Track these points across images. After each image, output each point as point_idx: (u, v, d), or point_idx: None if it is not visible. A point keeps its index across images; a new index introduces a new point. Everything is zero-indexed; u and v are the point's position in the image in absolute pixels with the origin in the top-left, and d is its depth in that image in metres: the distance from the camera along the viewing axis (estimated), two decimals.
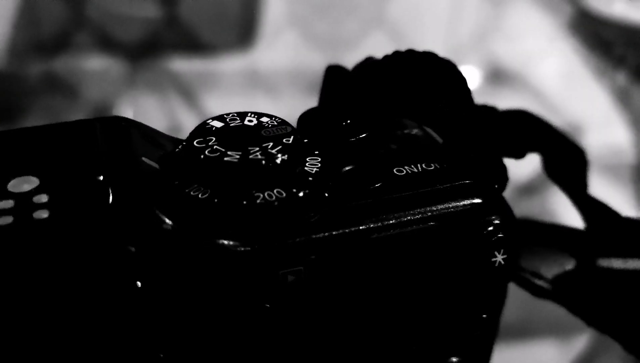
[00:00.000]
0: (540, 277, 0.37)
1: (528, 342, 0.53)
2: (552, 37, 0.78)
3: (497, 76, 0.75)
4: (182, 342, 0.28)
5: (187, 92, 0.77)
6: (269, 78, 0.79)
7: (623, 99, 0.69)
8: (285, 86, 0.79)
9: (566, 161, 0.38)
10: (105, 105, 0.75)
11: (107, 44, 0.81)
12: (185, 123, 0.71)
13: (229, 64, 0.81)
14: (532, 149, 0.38)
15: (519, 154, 0.37)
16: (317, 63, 0.81)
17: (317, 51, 0.81)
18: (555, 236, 0.39)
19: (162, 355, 0.27)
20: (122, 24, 0.81)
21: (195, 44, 0.82)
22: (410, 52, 0.33)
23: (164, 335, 0.27)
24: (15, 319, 0.25)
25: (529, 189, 0.62)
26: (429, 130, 0.34)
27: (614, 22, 0.72)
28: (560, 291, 0.38)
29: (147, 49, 0.81)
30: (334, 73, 0.36)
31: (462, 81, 0.32)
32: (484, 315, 0.32)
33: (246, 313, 0.28)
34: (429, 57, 0.32)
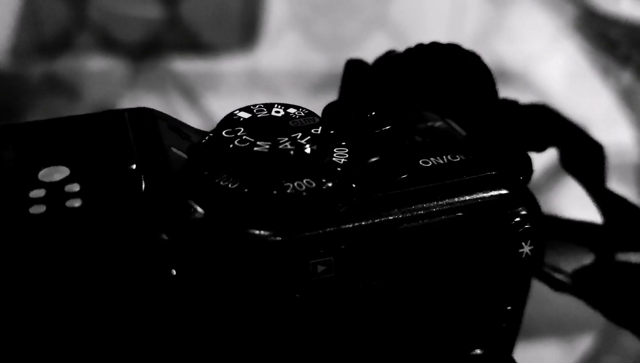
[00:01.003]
0: (560, 271, 0.37)
1: (531, 342, 0.53)
2: (555, 37, 0.78)
3: (500, 76, 0.75)
4: (212, 330, 0.27)
5: (189, 92, 0.76)
6: (270, 79, 0.79)
7: (628, 98, 0.69)
8: (287, 87, 0.79)
9: (585, 156, 0.38)
10: (107, 105, 0.75)
11: (109, 44, 0.80)
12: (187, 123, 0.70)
13: (231, 65, 0.80)
14: (551, 143, 0.38)
15: (539, 148, 0.37)
16: (318, 64, 0.81)
17: (318, 51, 0.81)
18: (573, 230, 0.39)
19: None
20: (124, 24, 0.81)
21: (197, 45, 0.82)
22: (435, 45, 0.32)
23: (196, 322, 0.27)
24: (50, 306, 0.25)
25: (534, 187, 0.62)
26: (451, 122, 0.34)
27: (620, 21, 0.72)
28: (579, 286, 0.37)
29: (149, 49, 0.81)
30: (354, 67, 0.36)
31: (487, 72, 0.32)
32: (509, 307, 0.32)
33: (276, 302, 0.28)
34: (453, 49, 0.32)
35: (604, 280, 0.38)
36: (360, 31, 0.83)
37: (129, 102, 0.77)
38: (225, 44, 0.83)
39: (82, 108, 0.74)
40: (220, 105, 0.77)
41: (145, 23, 0.81)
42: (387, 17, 0.82)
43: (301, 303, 0.28)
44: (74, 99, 0.75)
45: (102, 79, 0.79)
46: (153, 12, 0.81)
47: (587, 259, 0.38)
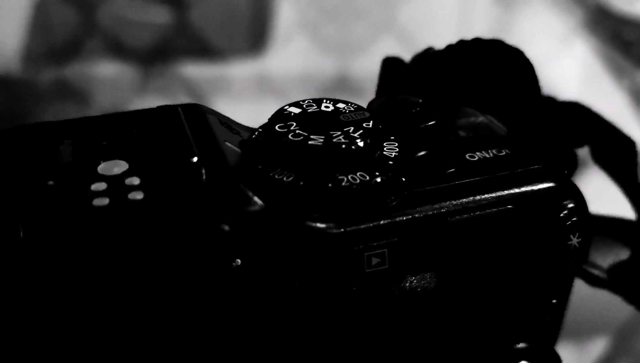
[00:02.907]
0: (596, 266, 0.38)
1: None
2: (566, 38, 0.78)
3: None
4: (270, 321, 0.28)
5: (198, 97, 0.77)
6: (279, 83, 0.79)
7: None
8: (295, 91, 0.79)
9: (617, 152, 0.38)
10: (117, 111, 0.74)
11: (119, 50, 0.80)
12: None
13: (240, 70, 0.81)
14: (584, 139, 0.38)
15: (578, 144, 0.37)
16: (327, 68, 0.82)
17: (327, 55, 0.82)
18: (608, 226, 0.39)
19: None
20: (134, 30, 0.81)
21: (206, 50, 0.82)
22: (477, 40, 0.33)
23: (255, 312, 0.27)
24: (116, 296, 0.25)
25: None
26: (491, 117, 0.34)
27: (634, 21, 0.73)
28: (615, 281, 0.38)
29: (159, 54, 0.81)
30: (391, 64, 0.36)
31: (531, 68, 0.32)
32: (554, 301, 0.32)
33: (334, 294, 0.28)
34: (496, 45, 0.33)
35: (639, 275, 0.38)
36: (368, 35, 0.83)
37: (138, 107, 0.77)
38: (234, 49, 0.83)
39: (92, 114, 0.74)
40: (229, 109, 0.77)
41: (155, 28, 0.81)
42: (395, 20, 0.82)
43: (357, 295, 0.28)
44: (84, 105, 0.76)
45: (111, 85, 0.79)
46: (162, 17, 0.81)
47: (623, 254, 0.38)
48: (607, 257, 0.38)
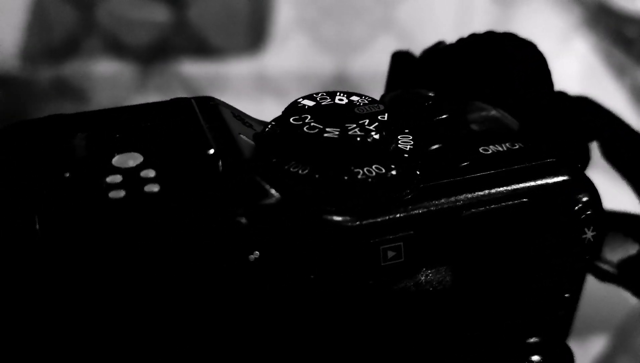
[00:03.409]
0: (606, 262, 0.37)
1: None
2: (566, 36, 0.78)
3: None
4: (285, 314, 0.27)
5: (197, 95, 0.76)
6: (278, 81, 0.79)
7: None
8: (294, 90, 0.79)
9: (627, 148, 0.38)
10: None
11: (118, 48, 0.80)
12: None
13: (239, 68, 0.80)
14: (594, 134, 0.38)
15: (586, 139, 0.37)
16: (325, 66, 0.81)
17: (325, 54, 0.81)
18: (617, 221, 0.39)
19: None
20: (132, 28, 0.81)
21: (205, 48, 0.82)
22: (490, 34, 0.33)
23: (270, 306, 0.27)
24: (132, 289, 0.25)
25: None
26: (503, 111, 0.34)
27: (636, 18, 0.73)
28: (625, 276, 0.38)
29: (157, 53, 0.80)
30: (401, 58, 0.36)
31: (543, 62, 0.32)
32: (567, 295, 0.32)
33: (350, 288, 0.28)
34: (509, 38, 0.33)
35: None
36: (367, 33, 0.83)
37: None
38: (232, 47, 0.83)
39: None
40: None
41: (153, 27, 0.81)
42: (393, 19, 0.82)
43: (373, 289, 0.28)
44: (83, 103, 0.75)
45: (110, 83, 0.78)
46: (161, 15, 0.81)
47: (632, 249, 0.38)
48: (616, 252, 0.38)
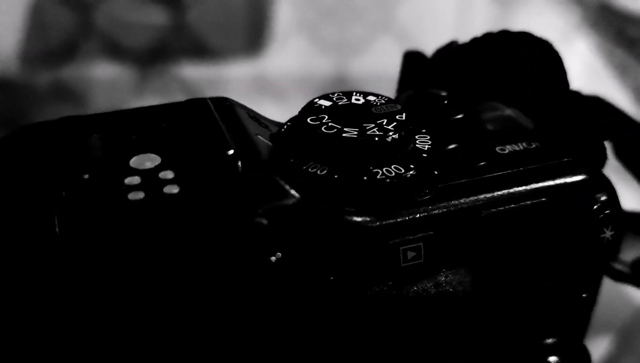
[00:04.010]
0: (619, 262, 0.37)
1: None
2: (566, 36, 0.78)
3: None
4: (305, 315, 0.27)
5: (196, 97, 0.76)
6: (277, 83, 0.79)
7: None
8: (293, 91, 0.78)
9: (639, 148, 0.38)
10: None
11: (116, 51, 0.80)
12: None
13: (238, 70, 0.80)
14: (607, 134, 0.38)
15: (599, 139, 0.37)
16: (325, 68, 0.81)
17: (325, 55, 0.81)
18: (630, 221, 0.39)
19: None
20: (131, 31, 0.81)
21: (203, 51, 0.82)
22: (505, 33, 0.32)
23: (290, 307, 0.27)
24: (152, 290, 0.25)
25: None
26: (516, 111, 0.34)
27: (639, 17, 0.72)
28: (638, 276, 0.37)
29: (156, 55, 0.80)
30: (412, 58, 0.36)
31: (559, 61, 0.32)
32: (584, 295, 0.32)
33: (368, 288, 0.28)
34: (524, 37, 0.32)
35: None
36: (366, 35, 0.83)
37: None
38: (231, 50, 0.83)
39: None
40: None
41: (152, 29, 0.81)
42: (392, 20, 0.82)
43: (392, 289, 0.28)
44: (82, 106, 0.75)
45: (109, 86, 0.78)
46: (159, 18, 0.81)
47: None
48: (630, 252, 0.38)
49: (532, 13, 0.80)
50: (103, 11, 0.81)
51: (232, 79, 0.79)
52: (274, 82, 0.79)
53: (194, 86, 0.77)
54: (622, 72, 0.70)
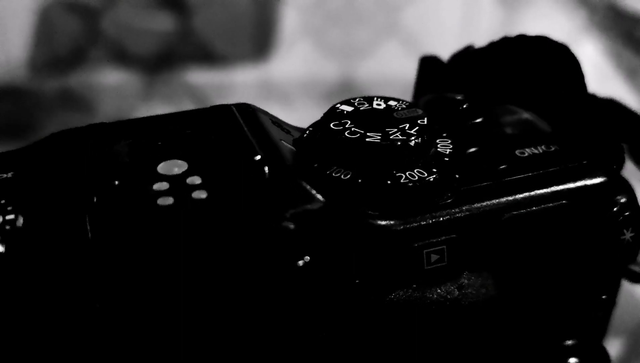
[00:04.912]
0: (637, 264, 0.37)
1: None
2: (574, 39, 0.78)
3: None
4: (330, 319, 0.27)
5: (203, 103, 0.76)
6: (283, 88, 0.79)
7: None
8: (299, 96, 0.79)
9: None
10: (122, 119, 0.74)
11: (123, 57, 0.80)
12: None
13: (244, 75, 0.80)
14: (623, 137, 0.38)
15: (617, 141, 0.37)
16: (331, 73, 0.81)
17: (331, 60, 0.82)
18: None
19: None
20: (138, 37, 0.81)
21: (210, 56, 0.82)
22: (522, 37, 0.33)
23: (318, 311, 0.27)
24: (183, 295, 0.25)
25: None
26: (533, 114, 0.34)
27: None
28: None
29: (163, 61, 0.80)
30: (429, 63, 0.36)
31: (577, 65, 0.32)
32: (604, 296, 0.32)
33: (392, 291, 0.28)
34: (542, 42, 0.33)
35: None
36: (372, 39, 0.83)
37: (144, 115, 0.76)
38: (238, 55, 0.83)
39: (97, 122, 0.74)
40: None
41: (159, 35, 0.81)
42: (398, 24, 0.82)
43: (415, 292, 0.28)
44: (89, 113, 0.75)
45: (116, 93, 0.78)
46: (166, 24, 0.81)
47: None
48: None
49: (539, 16, 0.81)
50: (110, 18, 0.82)
51: (239, 84, 0.80)
52: (280, 87, 0.79)
53: (201, 91, 0.78)
54: (631, 74, 0.71)
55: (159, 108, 0.78)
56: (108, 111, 0.76)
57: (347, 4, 0.83)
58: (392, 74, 0.80)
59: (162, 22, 0.82)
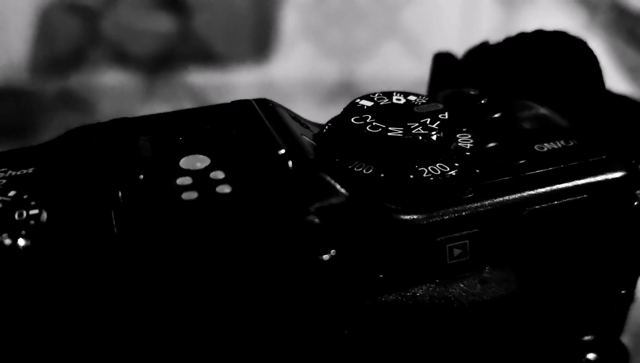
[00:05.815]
0: None
1: None
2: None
3: None
4: (356, 312, 0.27)
5: (203, 104, 0.76)
6: (283, 89, 0.79)
7: None
8: (299, 97, 0.79)
9: None
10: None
11: (123, 59, 0.80)
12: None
13: (244, 76, 0.80)
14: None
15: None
16: (331, 73, 0.81)
17: (331, 61, 0.81)
18: None
19: (346, 332, 0.26)
20: (138, 38, 0.81)
21: (210, 57, 0.82)
22: (539, 32, 0.33)
23: (341, 305, 0.27)
24: (209, 287, 0.25)
25: None
26: (550, 110, 0.34)
27: None
28: None
29: (163, 63, 0.80)
30: (442, 59, 0.36)
31: (595, 59, 0.32)
32: (623, 291, 0.32)
33: (415, 286, 0.28)
34: (559, 36, 0.32)
35: None
36: (372, 39, 0.83)
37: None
38: (238, 56, 0.83)
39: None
40: None
41: (159, 37, 0.81)
42: (398, 24, 0.82)
43: (439, 287, 0.28)
44: (89, 114, 0.75)
45: (116, 94, 0.78)
46: (166, 25, 0.81)
47: None
48: None
49: (539, 15, 0.80)
50: (110, 19, 0.81)
51: (239, 85, 0.79)
52: (280, 87, 0.79)
53: (201, 92, 0.77)
54: (634, 73, 0.71)
55: (159, 109, 0.77)
56: (108, 111, 0.76)
57: (347, 4, 0.83)
58: (392, 74, 0.80)
59: (162, 23, 0.82)
